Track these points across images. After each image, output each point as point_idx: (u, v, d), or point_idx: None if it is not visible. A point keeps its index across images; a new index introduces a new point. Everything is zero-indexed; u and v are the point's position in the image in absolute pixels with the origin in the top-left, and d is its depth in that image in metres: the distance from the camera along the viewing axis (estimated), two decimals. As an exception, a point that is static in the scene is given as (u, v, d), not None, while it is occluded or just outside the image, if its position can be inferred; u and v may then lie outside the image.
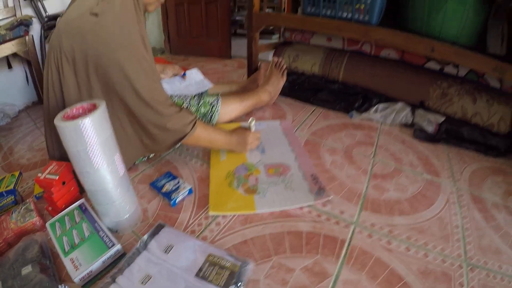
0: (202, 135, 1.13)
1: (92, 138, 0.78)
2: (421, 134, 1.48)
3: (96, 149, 0.79)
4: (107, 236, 0.86)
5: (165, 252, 0.84)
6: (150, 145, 1.10)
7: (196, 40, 3.05)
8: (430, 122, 1.49)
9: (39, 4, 1.98)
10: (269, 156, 1.31)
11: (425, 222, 1.03)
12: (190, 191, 1.11)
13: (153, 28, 3.24)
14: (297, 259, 0.88)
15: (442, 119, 1.49)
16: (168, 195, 1.07)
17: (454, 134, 1.46)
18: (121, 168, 0.89)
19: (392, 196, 1.13)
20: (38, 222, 0.94)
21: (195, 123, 1.09)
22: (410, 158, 1.35)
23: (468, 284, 0.83)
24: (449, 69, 1.53)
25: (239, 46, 2.97)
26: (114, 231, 0.94)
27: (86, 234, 0.87)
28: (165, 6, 3.05)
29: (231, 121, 1.53)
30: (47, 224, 0.91)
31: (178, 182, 1.12)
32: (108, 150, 0.83)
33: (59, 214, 0.94)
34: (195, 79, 1.65)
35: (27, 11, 1.96)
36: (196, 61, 2.88)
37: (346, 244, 0.94)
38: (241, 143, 1.27)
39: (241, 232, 0.97)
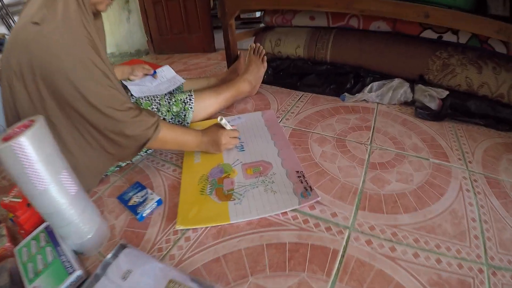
0: (168, 137, 1.00)
1: (29, 158, 0.67)
2: (423, 112, 1.28)
3: (37, 169, 0.68)
4: (68, 261, 0.77)
5: (123, 278, 0.71)
6: (115, 153, 0.97)
7: (178, 37, 2.88)
8: (432, 97, 1.30)
9: (10, 21, 1.91)
10: (248, 154, 1.12)
11: (435, 218, 0.84)
12: (159, 202, 0.95)
13: (136, 29, 3.08)
14: (279, 279, 0.70)
15: (445, 93, 1.30)
16: (134, 209, 0.92)
17: (460, 109, 1.28)
18: (71, 186, 0.76)
19: (394, 189, 0.94)
20: (9, 248, 0.87)
21: (157, 126, 0.95)
22: (413, 140, 1.15)
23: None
24: (448, 37, 1.34)
25: (223, 39, 2.79)
26: (79, 253, 0.83)
27: (50, 259, 0.78)
28: (144, 6, 2.88)
29: (208, 118, 1.36)
30: (15, 250, 0.83)
31: (146, 194, 0.97)
32: (52, 169, 0.71)
33: (26, 238, 0.85)
34: (166, 77, 1.48)
35: (1, 30, 1.94)
36: (180, 58, 2.71)
37: (339, 256, 0.75)
38: (215, 144, 1.11)
39: (213, 248, 0.79)
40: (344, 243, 0.78)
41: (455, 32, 1.32)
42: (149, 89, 1.36)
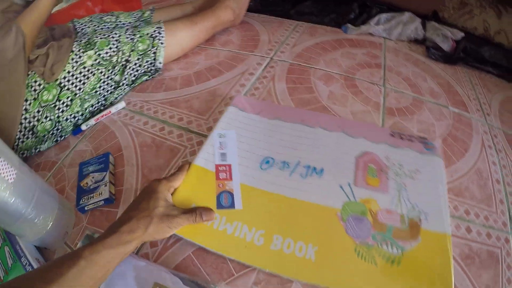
0: (29, 22, 0.76)
1: None
2: (436, 53, 1.08)
3: None
4: (29, 263, 0.57)
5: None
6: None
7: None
8: (445, 37, 1.09)
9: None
10: (332, 167, 0.68)
11: (462, 178, 0.70)
12: (108, 202, 0.66)
13: None
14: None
15: (460, 34, 1.09)
16: (79, 194, 0.67)
17: (474, 54, 1.10)
18: (7, 169, 0.53)
19: None
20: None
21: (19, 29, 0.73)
22: (429, 84, 0.95)
23: (516, 265, 0.57)
24: (468, -28, 1.12)
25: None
26: (43, 248, 0.63)
27: (10, 263, 0.59)
28: None
29: (185, 54, 1.05)
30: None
31: (103, 178, 0.69)
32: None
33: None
34: None
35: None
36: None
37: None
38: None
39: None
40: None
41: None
42: None
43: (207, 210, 0.58)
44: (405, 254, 0.55)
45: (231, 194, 0.62)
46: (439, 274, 0.52)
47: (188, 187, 0.63)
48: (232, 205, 0.61)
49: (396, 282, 0.52)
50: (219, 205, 0.60)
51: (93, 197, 0.66)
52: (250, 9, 1.24)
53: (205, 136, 0.75)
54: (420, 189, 0.63)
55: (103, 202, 0.66)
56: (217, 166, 0.67)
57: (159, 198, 0.54)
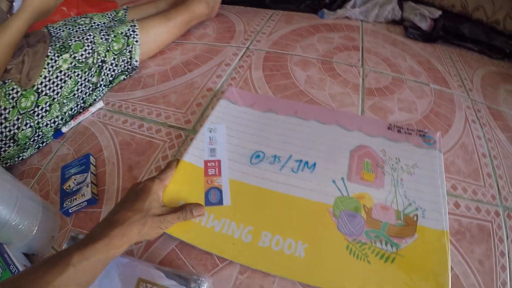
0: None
1: None
2: (414, 32, 1.07)
3: None
4: (18, 271, 0.58)
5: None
6: None
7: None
8: (423, 16, 1.08)
9: None
10: (326, 162, 0.65)
11: (447, 153, 0.69)
12: (91, 202, 0.66)
13: None
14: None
15: (438, 13, 1.09)
16: (62, 197, 0.67)
17: (453, 31, 1.09)
18: None
19: (398, 119, 0.75)
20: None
21: None
22: (409, 63, 0.94)
23: (508, 237, 0.59)
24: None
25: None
26: (31, 254, 0.63)
27: None
28: None
29: (160, 51, 1.04)
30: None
31: (85, 179, 0.68)
32: None
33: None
34: None
35: None
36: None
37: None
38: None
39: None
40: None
41: None
42: None
43: (197, 205, 0.56)
44: (400, 251, 0.53)
45: (220, 191, 0.60)
46: (435, 272, 0.50)
47: (176, 185, 0.61)
48: (220, 202, 0.59)
49: (390, 280, 0.50)
50: (208, 202, 0.59)
51: (76, 199, 0.65)
52: (225, 1, 1.22)
53: (184, 130, 0.74)
54: (417, 185, 0.61)
55: (86, 203, 0.65)
56: (206, 162, 0.65)
57: (154, 199, 0.52)
